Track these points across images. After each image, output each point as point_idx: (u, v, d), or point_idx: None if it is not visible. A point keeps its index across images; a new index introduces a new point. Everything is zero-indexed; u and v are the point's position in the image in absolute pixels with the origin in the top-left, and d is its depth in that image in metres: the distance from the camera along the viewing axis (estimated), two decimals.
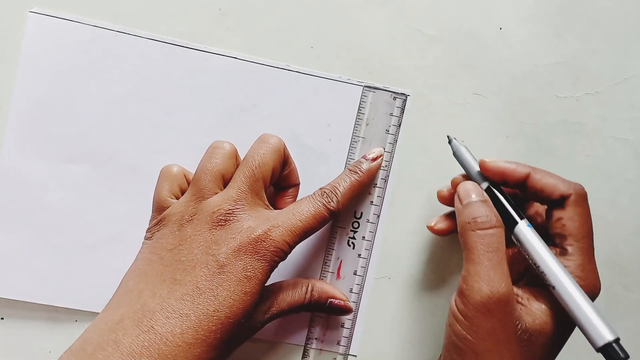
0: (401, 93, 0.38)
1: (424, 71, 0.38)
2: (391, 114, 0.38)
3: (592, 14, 0.39)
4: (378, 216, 0.38)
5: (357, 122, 0.37)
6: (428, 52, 0.38)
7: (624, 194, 0.39)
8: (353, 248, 0.38)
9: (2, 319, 0.37)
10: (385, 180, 0.38)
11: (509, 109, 0.39)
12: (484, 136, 0.39)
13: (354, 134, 0.38)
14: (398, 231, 0.38)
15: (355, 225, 0.38)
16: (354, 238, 0.38)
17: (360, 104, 0.38)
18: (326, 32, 0.38)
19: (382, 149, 0.37)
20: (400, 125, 0.38)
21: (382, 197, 0.38)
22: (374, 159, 0.36)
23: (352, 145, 0.38)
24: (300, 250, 0.38)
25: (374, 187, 0.38)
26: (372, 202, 0.38)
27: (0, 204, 0.36)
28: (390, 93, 0.38)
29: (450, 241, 0.39)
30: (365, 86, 0.38)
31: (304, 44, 0.38)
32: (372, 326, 0.39)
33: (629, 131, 0.39)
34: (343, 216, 0.38)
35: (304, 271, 0.38)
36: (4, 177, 0.36)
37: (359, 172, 0.35)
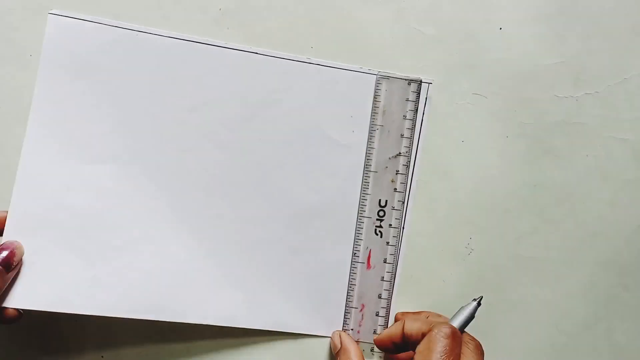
0: (415, 79, 0.37)
1: (424, 71, 0.38)
2: (407, 99, 0.37)
3: (592, 14, 0.39)
4: (403, 202, 0.38)
5: (373, 111, 0.37)
6: (428, 52, 0.38)
7: (624, 194, 0.39)
8: (381, 237, 0.38)
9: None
10: (407, 166, 0.38)
11: (509, 109, 0.39)
12: (484, 136, 0.39)
13: (372, 123, 0.37)
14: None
15: (381, 213, 0.38)
16: (380, 226, 0.38)
17: (375, 92, 0.37)
18: (326, 32, 0.38)
19: None
20: (417, 110, 0.38)
21: (405, 184, 0.38)
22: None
23: (370, 134, 0.37)
24: (327, 243, 0.38)
25: (397, 174, 0.38)
26: (395, 189, 0.38)
27: (23, 207, 0.36)
28: (405, 79, 0.38)
29: (450, 241, 0.39)
30: (379, 74, 0.38)
31: (304, 44, 0.38)
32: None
33: (629, 131, 0.39)
34: (368, 206, 0.38)
35: (335, 264, 0.38)
36: (26, 180, 0.36)
37: None
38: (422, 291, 0.39)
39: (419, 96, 0.38)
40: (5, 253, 0.33)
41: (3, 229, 0.35)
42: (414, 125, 0.38)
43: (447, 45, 0.38)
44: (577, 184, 0.39)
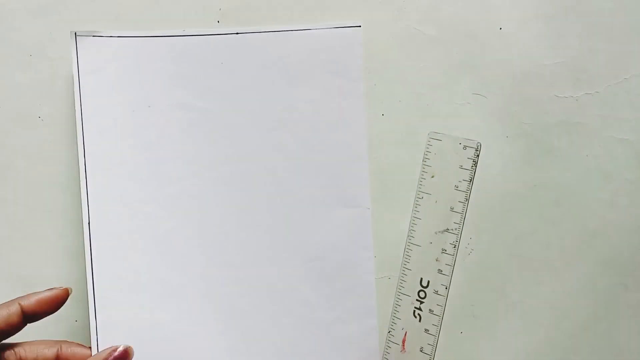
0: (472, 145, 0.34)
1: (424, 71, 0.38)
2: (461, 167, 0.33)
3: (592, 14, 0.39)
4: (447, 288, 0.34)
5: (421, 176, 0.34)
6: (428, 52, 0.38)
7: (624, 194, 0.39)
8: (419, 320, 0.34)
9: None
10: (455, 246, 0.34)
11: (509, 109, 0.39)
12: (484, 136, 0.39)
13: (418, 189, 0.34)
14: (398, 231, 0.38)
15: (422, 294, 0.34)
16: (420, 309, 0.34)
17: (425, 154, 0.35)
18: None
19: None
20: (472, 180, 0.33)
21: (451, 266, 0.34)
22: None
23: (416, 202, 0.33)
24: (363, 310, 0.36)
25: (443, 252, 0.34)
26: (440, 270, 0.34)
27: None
28: (459, 142, 0.34)
29: None
30: (430, 134, 0.34)
31: None
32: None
33: (629, 131, 0.39)
34: (408, 282, 0.35)
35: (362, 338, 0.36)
36: (98, 204, 0.35)
37: None
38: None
39: (476, 164, 0.34)
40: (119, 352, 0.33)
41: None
42: (467, 199, 0.33)
43: (447, 45, 0.38)
44: (577, 184, 0.39)
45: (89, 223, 0.35)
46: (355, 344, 0.36)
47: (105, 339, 0.34)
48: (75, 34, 0.35)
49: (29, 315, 0.32)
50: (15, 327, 0.32)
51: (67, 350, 0.33)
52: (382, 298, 0.38)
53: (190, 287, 0.36)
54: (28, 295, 0.33)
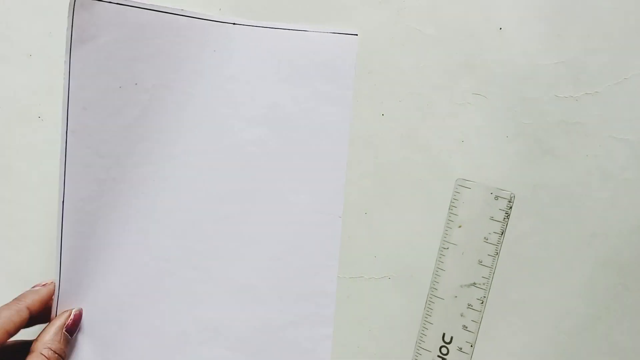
0: (505, 196, 0.31)
1: (424, 71, 0.38)
2: (492, 218, 0.30)
3: (592, 14, 0.39)
4: (472, 346, 0.32)
5: (447, 225, 0.32)
6: (428, 52, 0.38)
7: (624, 194, 0.39)
8: None
9: None
10: (483, 302, 0.31)
11: (509, 109, 0.39)
12: (484, 136, 0.39)
13: (443, 239, 0.32)
14: (398, 231, 0.38)
15: (444, 350, 0.32)
16: None
17: (452, 202, 0.32)
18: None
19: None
20: (504, 233, 0.30)
21: (478, 323, 0.31)
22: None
23: (440, 252, 0.31)
24: (319, 317, 0.37)
25: (469, 308, 0.32)
26: (465, 327, 0.32)
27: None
28: (491, 191, 0.31)
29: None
30: (457, 181, 0.32)
31: None
32: (371, 327, 0.39)
33: (629, 131, 0.39)
34: (428, 337, 0.33)
35: None
36: (74, 179, 0.35)
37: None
38: (422, 292, 0.39)
39: (508, 216, 0.31)
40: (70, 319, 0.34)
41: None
42: (497, 252, 0.30)
43: (447, 45, 0.38)
44: (577, 184, 0.39)
45: (63, 195, 0.34)
46: (305, 350, 0.36)
47: (64, 307, 0.35)
48: None
49: (34, 317, 0.33)
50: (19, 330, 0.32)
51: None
52: (383, 298, 0.38)
53: (153, 268, 0.36)
54: (26, 295, 0.33)
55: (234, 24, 0.36)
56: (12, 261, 0.38)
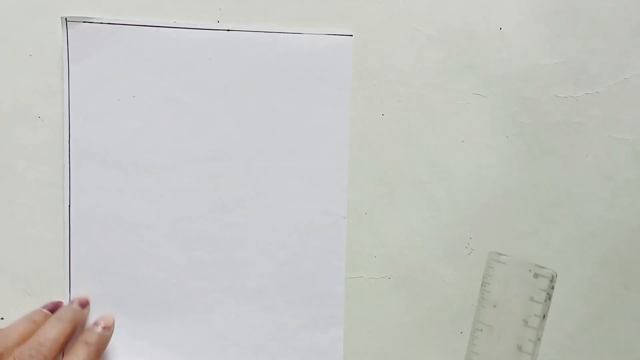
0: (547, 274, 0.26)
1: (424, 71, 0.38)
2: (532, 299, 0.26)
3: (592, 14, 0.39)
4: None
5: (480, 304, 0.28)
6: (428, 52, 0.38)
7: (624, 194, 0.39)
8: None
9: None
10: None
11: (509, 109, 0.39)
12: (484, 136, 0.39)
13: (476, 319, 0.28)
14: (398, 231, 0.38)
15: None
16: None
17: (484, 278, 0.28)
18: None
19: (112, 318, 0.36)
20: (545, 316, 0.26)
21: None
22: (107, 328, 0.35)
23: (473, 334, 0.27)
24: (329, 320, 0.37)
25: None
26: None
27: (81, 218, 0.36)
28: (529, 268, 0.27)
29: (450, 241, 0.39)
30: (490, 255, 0.27)
31: None
32: (371, 327, 0.39)
33: (629, 131, 0.39)
34: None
35: None
36: (79, 190, 0.36)
37: (89, 344, 0.33)
38: (422, 291, 0.39)
39: (550, 297, 0.26)
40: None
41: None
42: (539, 338, 0.25)
43: (447, 45, 0.38)
44: (577, 184, 0.39)
45: (69, 206, 0.36)
46: (318, 352, 0.36)
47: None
48: (66, 19, 0.35)
49: None
50: None
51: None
52: (382, 298, 0.38)
53: (161, 279, 0.36)
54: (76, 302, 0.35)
55: (228, 30, 0.36)
56: (12, 261, 0.38)
